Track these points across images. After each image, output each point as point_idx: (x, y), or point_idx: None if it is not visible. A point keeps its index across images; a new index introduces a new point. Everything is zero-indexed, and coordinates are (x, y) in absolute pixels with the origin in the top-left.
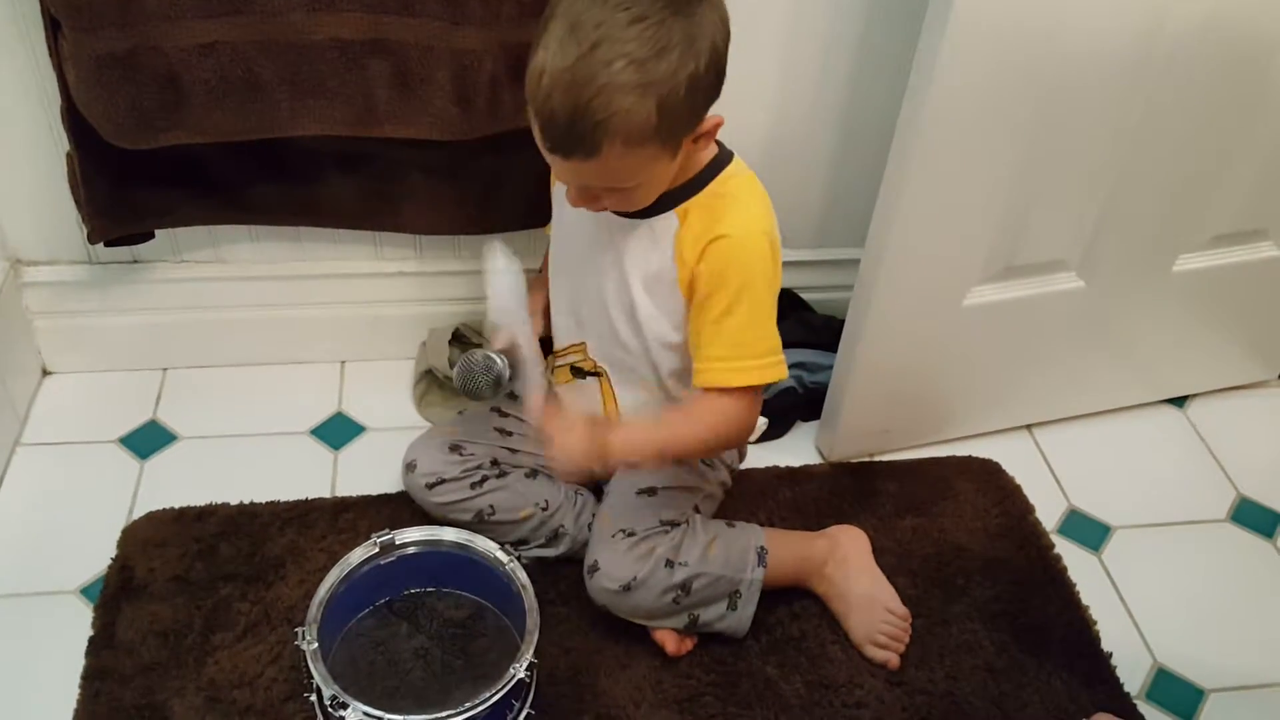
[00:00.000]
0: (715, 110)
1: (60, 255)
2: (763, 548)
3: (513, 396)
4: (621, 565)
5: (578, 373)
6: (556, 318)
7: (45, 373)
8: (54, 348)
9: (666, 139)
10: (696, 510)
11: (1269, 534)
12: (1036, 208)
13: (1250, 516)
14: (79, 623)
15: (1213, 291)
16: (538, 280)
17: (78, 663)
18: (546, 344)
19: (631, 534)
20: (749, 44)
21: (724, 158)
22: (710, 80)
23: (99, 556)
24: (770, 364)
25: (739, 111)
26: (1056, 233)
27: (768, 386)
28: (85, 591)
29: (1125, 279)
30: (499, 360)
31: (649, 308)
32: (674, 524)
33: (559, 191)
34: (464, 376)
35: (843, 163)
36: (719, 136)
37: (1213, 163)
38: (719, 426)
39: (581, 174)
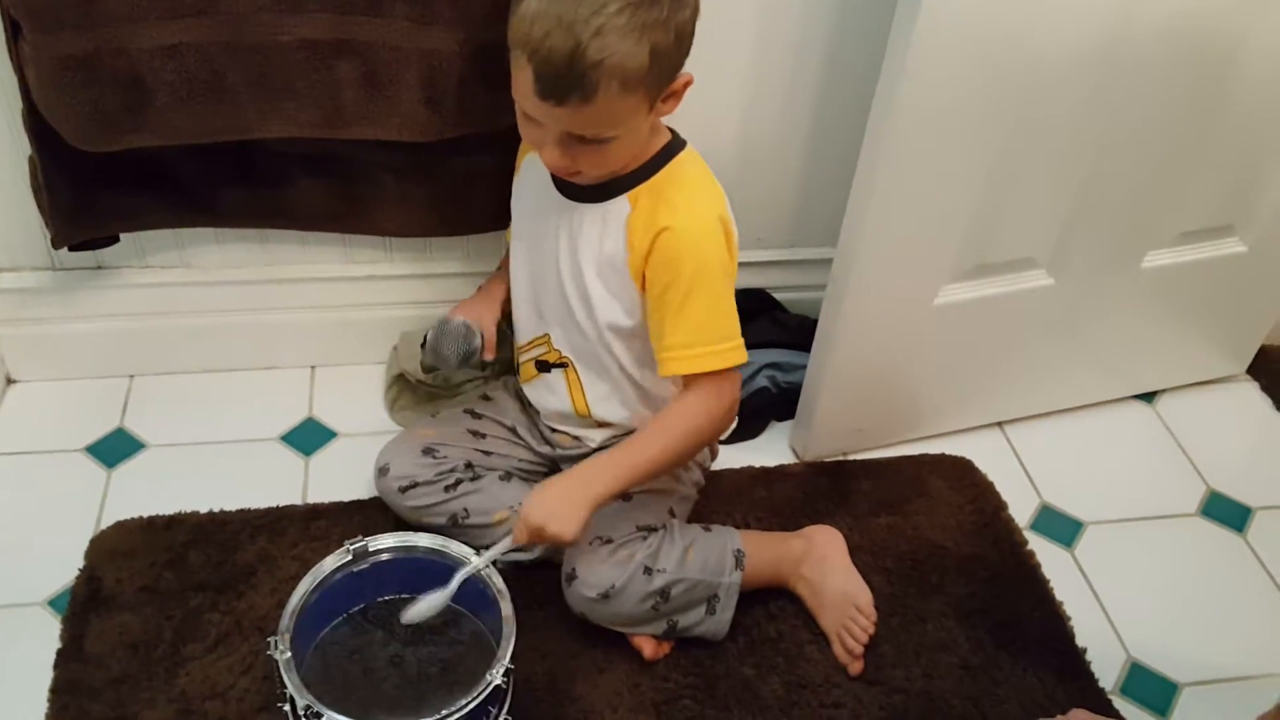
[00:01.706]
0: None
1: (22, 262)
2: (740, 550)
3: (481, 367)
4: (600, 573)
5: (542, 366)
6: (518, 311)
7: (9, 381)
8: (18, 356)
9: (651, 87)
10: (672, 514)
11: (1239, 528)
12: (1006, 206)
13: (1220, 510)
14: (47, 635)
15: (1181, 287)
16: (499, 274)
17: (46, 676)
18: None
19: (609, 541)
20: (719, 44)
21: (676, 144)
22: (690, 32)
23: (66, 567)
24: (732, 349)
25: (710, 111)
26: (1026, 231)
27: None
28: (53, 603)
29: (1095, 276)
30: (478, 335)
31: (602, 292)
32: (651, 529)
33: (521, 181)
34: (438, 340)
35: (814, 163)
36: (680, 129)
37: (1180, 160)
38: (697, 423)
39: (570, 122)
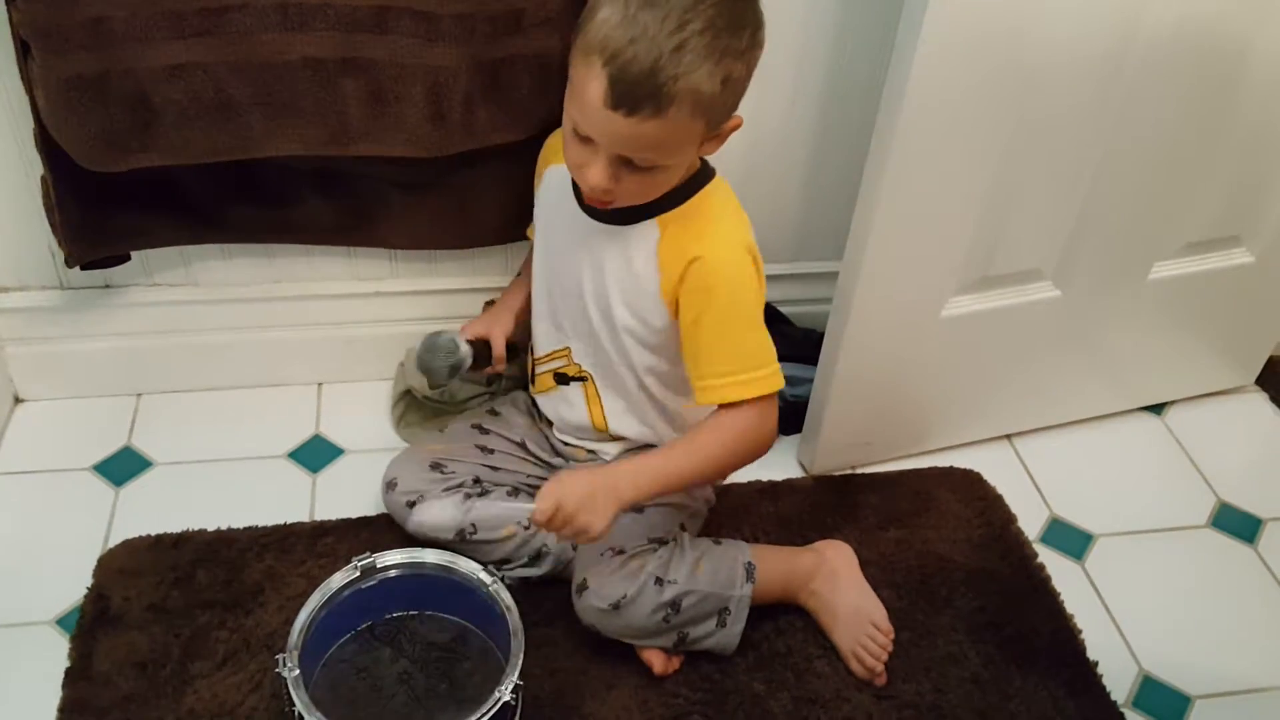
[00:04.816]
0: None
1: (30, 281)
2: (750, 563)
3: (487, 382)
4: (611, 584)
5: (561, 379)
6: (538, 323)
7: (17, 400)
8: (26, 375)
9: (714, 117)
10: (682, 528)
11: (1249, 539)
12: (1012, 218)
13: (1231, 522)
14: (55, 654)
15: (1188, 298)
16: (518, 281)
17: (54, 695)
18: (512, 349)
19: (620, 552)
20: None
21: (707, 173)
22: (752, 72)
23: (74, 586)
24: (770, 374)
25: None
26: (1032, 242)
27: None
28: (61, 622)
29: (1101, 287)
30: (464, 347)
31: (625, 312)
32: (661, 542)
33: (542, 194)
34: (426, 354)
35: (818, 176)
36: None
37: (1185, 171)
38: (736, 443)
39: (628, 140)
